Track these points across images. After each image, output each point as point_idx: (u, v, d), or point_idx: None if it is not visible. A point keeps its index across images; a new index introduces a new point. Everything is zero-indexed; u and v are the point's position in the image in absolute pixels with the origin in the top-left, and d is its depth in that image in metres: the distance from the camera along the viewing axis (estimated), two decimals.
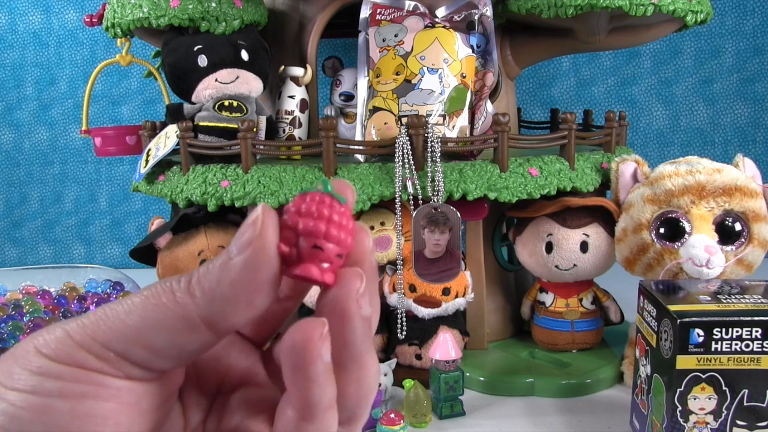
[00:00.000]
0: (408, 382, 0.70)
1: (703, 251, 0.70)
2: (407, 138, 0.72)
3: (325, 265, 0.23)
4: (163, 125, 0.86)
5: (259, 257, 0.22)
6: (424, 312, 0.76)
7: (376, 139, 0.78)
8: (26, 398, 0.22)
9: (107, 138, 0.97)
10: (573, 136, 0.79)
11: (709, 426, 0.56)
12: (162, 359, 0.23)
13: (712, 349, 0.54)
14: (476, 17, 0.82)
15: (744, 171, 0.75)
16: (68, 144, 1.36)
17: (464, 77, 0.80)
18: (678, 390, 0.55)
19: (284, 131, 0.86)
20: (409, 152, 0.72)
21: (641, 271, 0.77)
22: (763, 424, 0.55)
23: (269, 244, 0.22)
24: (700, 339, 0.54)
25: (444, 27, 0.81)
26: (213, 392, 0.27)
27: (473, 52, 0.82)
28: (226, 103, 0.81)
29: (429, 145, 0.72)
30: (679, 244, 0.72)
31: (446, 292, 0.77)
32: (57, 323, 0.23)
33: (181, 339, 0.22)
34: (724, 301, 0.57)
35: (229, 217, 0.82)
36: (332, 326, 0.22)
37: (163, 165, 0.84)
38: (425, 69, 0.79)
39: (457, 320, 0.79)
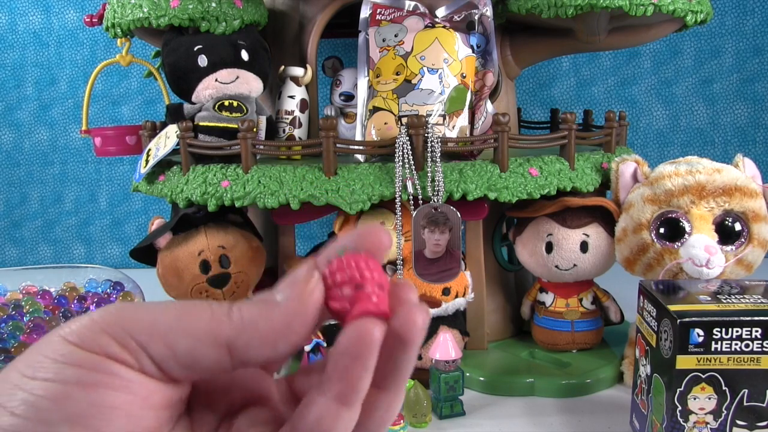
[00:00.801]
0: (408, 382, 0.70)
1: (703, 251, 0.70)
2: (407, 138, 0.72)
3: (374, 298, 0.25)
4: (163, 125, 0.86)
5: (300, 310, 0.24)
6: None
7: (376, 139, 0.78)
8: (46, 386, 0.22)
9: (107, 138, 0.97)
10: (573, 136, 0.79)
11: (709, 426, 0.56)
12: (176, 364, 0.24)
13: (712, 349, 0.54)
14: (476, 17, 0.82)
15: (744, 171, 0.75)
16: (68, 144, 1.36)
17: (464, 77, 0.80)
18: (678, 390, 0.55)
19: (284, 131, 0.86)
20: (409, 152, 0.72)
21: (641, 271, 0.77)
22: (763, 424, 0.55)
23: (313, 302, 0.24)
24: (700, 339, 0.54)
25: (444, 27, 0.81)
26: (222, 412, 0.27)
27: (473, 52, 0.82)
28: (226, 103, 0.81)
29: (429, 145, 0.72)
30: (679, 244, 0.72)
31: (446, 292, 0.77)
32: (85, 314, 0.24)
33: (201, 351, 0.24)
34: (724, 301, 0.57)
35: (229, 217, 0.82)
36: (391, 350, 0.25)
37: (163, 165, 0.84)
38: (425, 69, 0.79)
39: (457, 320, 0.79)
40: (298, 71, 0.86)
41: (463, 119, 0.79)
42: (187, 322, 0.24)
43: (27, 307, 0.81)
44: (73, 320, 0.24)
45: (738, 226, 0.72)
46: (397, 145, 0.72)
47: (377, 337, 0.24)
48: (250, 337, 0.24)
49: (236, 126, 0.77)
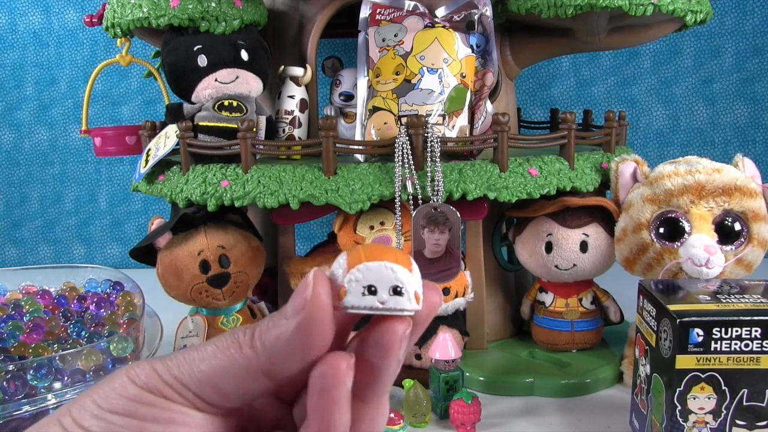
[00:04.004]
0: (408, 382, 0.70)
1: (702, 251, 0.70)
2: (407, 138, 0.72)
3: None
4: (163, 125, 0.86)
5: (310, 321, 0.25)
6: None
7: (375, 138, 0.78)
8: (125, 420, 0.25)
9: (107, 138, 0.97)
10: (573, 136, 0.79)
11: (708, 425, 0.56)
12: (228, 400, 0.26)
13: (712, 349, 0.54)
14: (476, 17, 0.82)
15: (743, 171, 0.75)
16: (68, 144, 1.36)
17: (464, 77, 0.80)
18: (677, 389, 0.55)
19: (284, 131, 0.86)
20: (409, 152, 0.72)
21: (641, 270, 0.77)
22: (763, 423, 0.55)
23: (321, 308, 0.25)
24: (700, 338, 0.54)
25: (444, 27, 0.81)
26: None
27: (473, 51, 0.82)
28: (226, 102, 0.81)
29: (429, 144, 0.72)
30: (679, 244, 0.72)
31: (446, 291, 0.77)
32: (144, 361, 0.27)
33: (244, 385, 0.26)
34: (724, 300, 0.57)
35: (229, 217, 0.82)
36: (371, 360, 0.26)
37: (163, 165, 0.84)
38: (425, 69, 0.79)
39: (456, 320, 0.79)
40: (297, 71, 0.86)
41: (462, 119, 0.79)
42: (223, 367, 0.26)
43: (27, 307, 0.81)
44: (136, 364, 0.27)
45: (738, 226, 0.72)
46: (396, 145, 0.72)
47: (343, 371, 0.25)
48: (278, 361, 0.25)
49: (236, 126, 0.77)
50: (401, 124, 0.75)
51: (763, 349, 0.54)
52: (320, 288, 0.25)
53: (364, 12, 0.83)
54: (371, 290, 0.25)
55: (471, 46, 0.81)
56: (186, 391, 0.26)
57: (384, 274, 0.25)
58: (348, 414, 0.25)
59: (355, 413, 0.26)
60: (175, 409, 0.26)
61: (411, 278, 0.25)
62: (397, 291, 0.25)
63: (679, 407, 0.55)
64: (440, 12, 0.83)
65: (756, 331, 0.54)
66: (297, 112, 0.86)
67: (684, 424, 0.56)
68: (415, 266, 0.26)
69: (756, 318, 0.54)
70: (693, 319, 0.54)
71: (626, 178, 0.79)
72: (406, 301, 0.25)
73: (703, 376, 0.55)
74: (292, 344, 0.25)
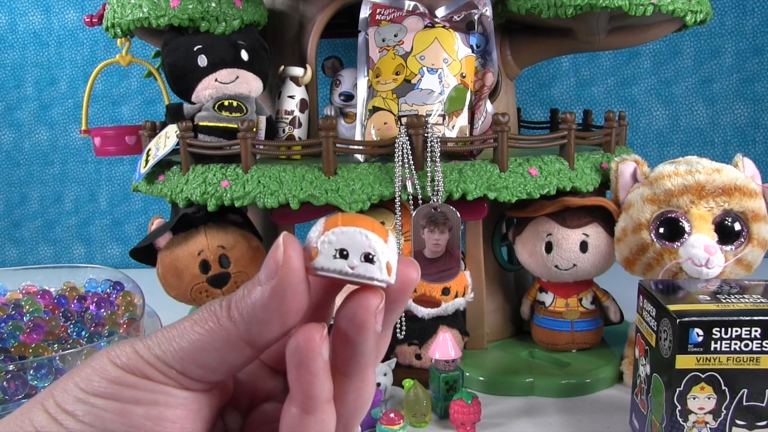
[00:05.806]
0: (407, 382, 0.70)
1: (702, 251, 0.70)
2: (407, 138, 0.72)
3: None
4: (163, 125, 0.86)
5: (284, 285, 0.24)
6: (423, 312, 0.76)
7: (375, 139, 0.78)
8: (108, 403, 0.25)
9: (107, 138, 0.97)
10: (573, 136, 0.79)
11: (708, 425, 0.56)
12: (214, 374, 0.26)
13: (712, 349, 0.54)
14: (476, 17, 0.82)
15: (743, 171, 0.75)
16: (68, 144, 1.36)
17: (464, 77, 0.80)
18: (677, 389, 0.55)
19: (284, 131, 0.86)
20: (409, 152, 0.72)
21: (641, 270, 0.77)
22: (763, 423, 0.55)
23: (293, 271, 0.24)
24: (700, 339, 0.54)
25: (444, 27, 0.81)
26: (246, 409, 0.30)
27: (473, 52, 0.82)
28: (226, 103, 0.81)
29: (429, 145, 0.72)
30: (679, 244, 0.72)
31: (446, 291, 0.77)
32: (124, 341, 0.26)
33: (228, 357, 0.25)
34: (724, 300, 0.57)
35: (229, 217, 0.82)
36: (349, 335, 0.25)
37: (163, 165, 0.84)
38: (425, 69, 0.79)
39: (456, 320, 0.79)
40: (297, 71, 0.86)
41: (462, 119, 0.79)
42: (204, 342, 0.25)
43: (27, 306, 0.81)
44: (117, 346, 0.26)
45: (737, 226, 0.72)
46: (396, 145, 0.72)
47: (317, 343, 0.24)
48: (257, 329, 0.25)
49: (236, 126, 0.77)
50: (401, 124, 0.75)
51: (763, 349, 0.54)
52: (291, 251, 0.24)
53: (364, 12, 0.84)
54: (343, 254, 0.24)
55: (471, 46, 0.81)
56: (169, 369, 0.25)
57: (357, 240, 0.24)
58: (328, 383, 0.25)
59: (340, 387, 0.26)
60: (158, 390, 0.25)
61: (385, 248, 0.25)
62: (368, 258, 0.24)
63: (679, 407, 0.55)
64: (440, 12, 0.83)
65: (756, 331, 0.54)
66: (297, 112, 0.86)
67: (684, 424, 0.56)
68: (391, 238, 0.25)
69: (756, 318, 0.54)
70: (693, 319, 0.54)
71: (626, 178, 0.79)
72: (376, 270, 0.24)
73: (703, 376, 0.55)
74: (269, 310, 0.24)
